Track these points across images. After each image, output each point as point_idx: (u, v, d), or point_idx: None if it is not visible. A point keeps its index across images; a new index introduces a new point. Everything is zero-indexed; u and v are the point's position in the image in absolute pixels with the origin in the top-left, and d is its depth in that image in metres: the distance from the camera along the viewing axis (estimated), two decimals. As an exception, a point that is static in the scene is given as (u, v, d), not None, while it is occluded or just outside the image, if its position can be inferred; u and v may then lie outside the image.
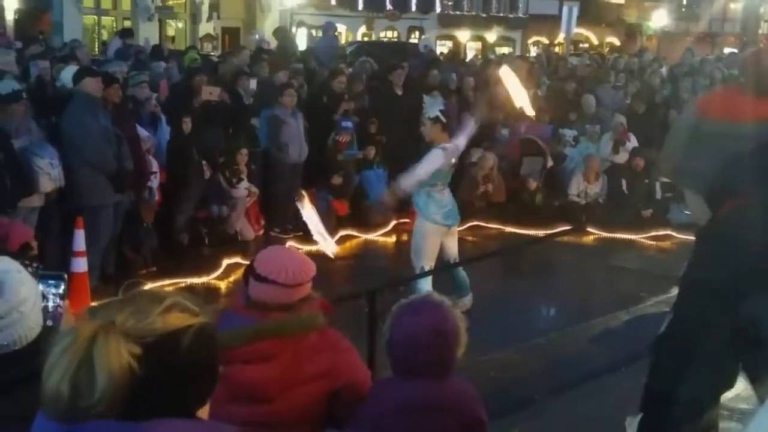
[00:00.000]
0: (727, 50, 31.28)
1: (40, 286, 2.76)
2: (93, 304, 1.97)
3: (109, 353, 1.76)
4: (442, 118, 8.39)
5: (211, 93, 11.47)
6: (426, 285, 8.11)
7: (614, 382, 7.27)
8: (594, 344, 8.35)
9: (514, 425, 6.34)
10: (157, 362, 1.80)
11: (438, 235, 8.55)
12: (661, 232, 12.39)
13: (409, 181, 8.32)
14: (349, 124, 12.54)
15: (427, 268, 8.39)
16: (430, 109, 8.50)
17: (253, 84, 12.08)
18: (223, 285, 9.81)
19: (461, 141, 8.54)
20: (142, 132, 9.93)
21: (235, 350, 3.14)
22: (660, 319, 8.94)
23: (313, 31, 30.58)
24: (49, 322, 2.75)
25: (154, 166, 10.07)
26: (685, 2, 55.33)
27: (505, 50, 36.86)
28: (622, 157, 13.73)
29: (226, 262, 10.18)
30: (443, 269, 8.65)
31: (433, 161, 8.27)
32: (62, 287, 2.82)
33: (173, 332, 1.84)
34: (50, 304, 2.78)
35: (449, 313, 3.36)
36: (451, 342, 3.32)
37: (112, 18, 29.61)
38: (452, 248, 8.74)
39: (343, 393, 3.36)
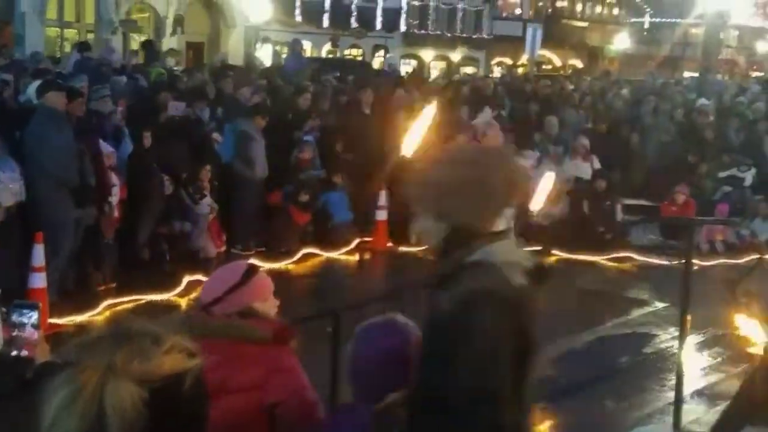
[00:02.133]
0: (687, 74, 31.72)
1: (14, 316, 2.69)
2: (72, 335, 1.86)
3: (122, 401, 1.65)
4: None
5: (176, 108, 11.45)
6: None
7: (574, 404, 7.30)
8: (555, 366, 8.36)
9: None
10: (161, 407, 1.71)
11: None
12: (622, 254, 12.48)
13: None
14: (309, 138, 12.53)
15: None
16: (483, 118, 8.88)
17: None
18: (183, 302, 9.71)
19: None
20: (106, 147, 9.85)
21: None
22: (620, 341, 9.08)
23: (278, 48, 30.55)
24: (24, 353, 2.68)
25: (115, 181, 9.98)
26: (647, 26, 56.11)
27: (469, 70, 37.05)
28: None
29: (187, 279, 10.09)
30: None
31: None
32: (35, 316, 2.75)
33: (176, 375, 1.75)
34: (24, 333, 2.71)
35: (413, 335, 3.33)
36: (414, 366, 3.29)
37: (75, 30, 29.37)
38: None
39: (278, 412, 3.28)
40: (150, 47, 18.51)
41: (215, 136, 12.10)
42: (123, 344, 1.75)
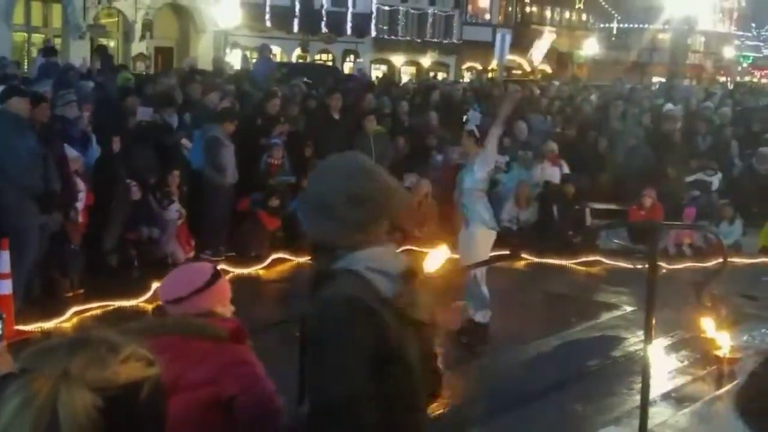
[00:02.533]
0: (655, 79, 31.98)
1: None
2: (34, 345, 1.83)
3: (75, 409, 1.62)
4: (476, 133, 9.06)
5: (144, 113, 11.42)
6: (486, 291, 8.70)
7: (542, 407, 7.32)
8: (524, 369, 8.40)
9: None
10: (117, 416, 1.69)
11: (490, 239, 8.92)
12: (591, 258, 12.55)
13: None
14: (277, 141, 12.51)
15: (480, 274, 8.67)
16: (470, 123, 8.99)
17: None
18: (151, 308, 9.62)
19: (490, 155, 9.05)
20: (71, 152, 9.76)
21: None
22: (588, 344, 9.12)
23: (248, 53, 30.50)
24: None
25: (81, 186, 9.90)
26: (615, 32, 56.51)
27: (440, 75, 37.18)
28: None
29: (155, 284, 10.01)
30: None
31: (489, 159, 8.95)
32: None
33: (133, 384, 1.74)
34: None
35: None
36: None
37: (43, 35, 29.16)
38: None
39: (236, 405, 3.29)
40: (104, 53, 18.35)
41: (184, 142, 12.05)
42: (79, 352, 1.73)
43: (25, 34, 29.08)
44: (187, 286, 3.38)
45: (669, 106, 18.05)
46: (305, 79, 17.79)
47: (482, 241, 8.84)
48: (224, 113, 12.03)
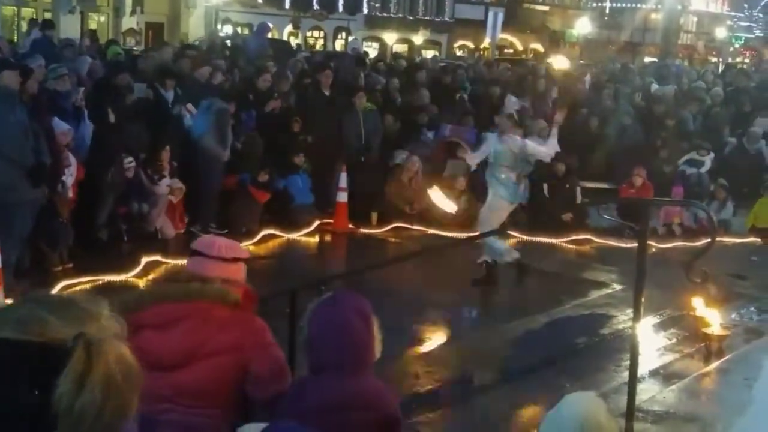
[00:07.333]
0: (647, 59, 31.98)
1: None
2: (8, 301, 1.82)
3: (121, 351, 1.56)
4: (515, 116, 9.92)
5: (137, 89, 11.38)
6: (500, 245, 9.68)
7: (531, 383, 7.36)
8: (513, 346, 8.44)
9: (426, 425, 6.37)
10: None
11: (503, 210, 9.87)
12: (581, 237, 12.57)
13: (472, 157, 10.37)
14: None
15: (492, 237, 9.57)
16: (507, 107, 9.49)
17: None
18: (141, 283, 9.62)
19: (530, 143, 9.99)
20: (62, 125, 9.70)
21: (143, 314, 3.37)
22: (577, 322, 9.16)
23: (239, 29, 30.36)
24: None
25: (71, 160, 9.86)
26: (607, 11, 56.43)
27: (431, 53, 37.06)
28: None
29: (145, 259, 10.02)
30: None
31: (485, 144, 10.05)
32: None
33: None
34: None
35: (366, 303, 3.46)
36: (370, 328, 3.38)
37: (32, 9, 28.97)
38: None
39: (253, 371, 3.50)
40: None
41: (189, 107, 11.81)
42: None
43: (15, 8, 28.88)
44: (244, 252, 3.79)
45: (654, 85, 18.07)
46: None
47: (494, 211, 9.79)
48: (230, 94, 12.06)
